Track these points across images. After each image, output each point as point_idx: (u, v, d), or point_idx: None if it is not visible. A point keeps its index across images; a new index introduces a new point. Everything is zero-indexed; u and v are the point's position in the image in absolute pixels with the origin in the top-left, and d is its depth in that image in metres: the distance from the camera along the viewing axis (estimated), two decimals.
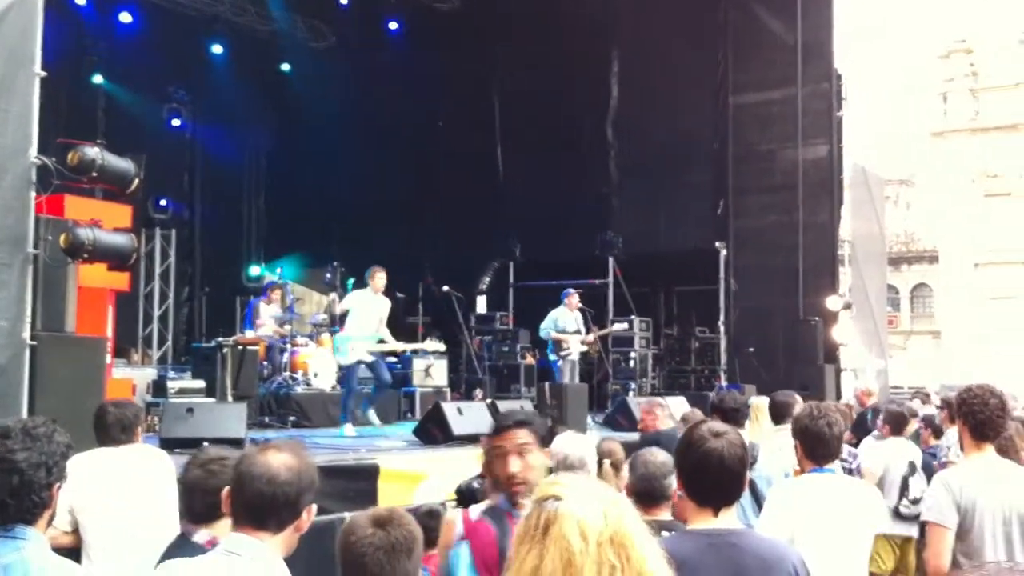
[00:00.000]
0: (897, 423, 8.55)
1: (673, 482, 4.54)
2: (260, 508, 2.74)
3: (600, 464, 5.47)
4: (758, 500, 5.30)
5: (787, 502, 4.49)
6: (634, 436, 9.00)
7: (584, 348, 14.79)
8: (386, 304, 11.96)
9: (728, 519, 3.19)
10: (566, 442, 5.25)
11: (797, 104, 17.39)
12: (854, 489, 4.76)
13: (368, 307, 11.81)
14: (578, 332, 14.43)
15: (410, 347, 13.42)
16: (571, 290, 14.74)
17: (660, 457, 4.60)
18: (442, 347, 14.18)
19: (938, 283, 54.67)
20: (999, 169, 50.13)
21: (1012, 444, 5.53)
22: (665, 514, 4.45)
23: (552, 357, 14.40)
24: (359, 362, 11.80)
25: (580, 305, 14.77)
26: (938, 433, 8.84)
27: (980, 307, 49.30)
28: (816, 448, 4.55)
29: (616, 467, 5.45)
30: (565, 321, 14.36)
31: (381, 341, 11.93)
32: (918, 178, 60.18)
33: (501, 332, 17.99)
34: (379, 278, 11.83)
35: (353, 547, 2.99)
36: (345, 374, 12.16)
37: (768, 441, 6.77)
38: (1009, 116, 50.20)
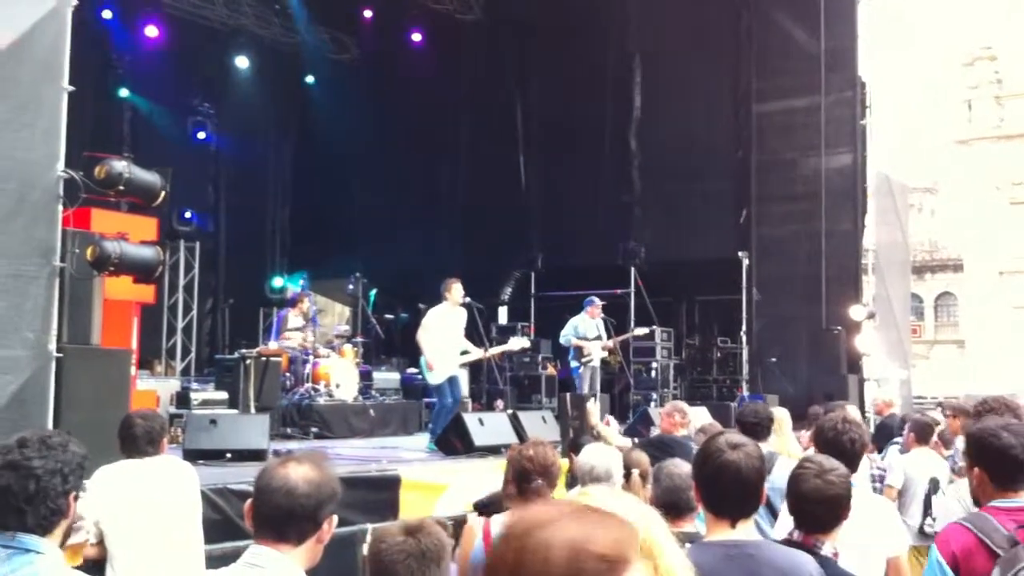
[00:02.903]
0: (923, 433, 8.46)
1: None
2: (279, 520, 2.76)
3: (628, 475, 5.49)
4: (772, 511, 5.29)
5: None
6: None
7: (605, 354, 14.72)
8: (464, 315, 11.75)
9: (746, 530, 3.20)
10: (592, 454, 5.29)
11: (821, 112, 17.34)
12: (871, 507, 4.73)
13: (449, 321, 11.58)
14: (599, 339, 14.37)
15: (496, 351, 13.13)
16: (595, 298, 14.65)
17: (685, 469, 4.60)
18: (527, 344, 14.09)
19: (962, 292, 54.30)
20: None
21: None
22: (689, 526, 4.46)
23: (573, 364, 14.35)
24: (449, 378, 11.60)
25: (602, 314, 14.71)
26: (947, 444, 8.76)
27: (1005, 316, 48.93)
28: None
29: (644, 478, 5.47)
30: (586, 328, 14.29)
31: (465, 352, 11.84)
32: (942, 186, 59.83)
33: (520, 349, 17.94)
34: (456, 290, 11.54)
35: (383, 554, 3.01)
36: (437, 392, 11.82)
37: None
38: None
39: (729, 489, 3.19)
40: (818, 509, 3.63)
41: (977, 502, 3.81)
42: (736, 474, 3.16)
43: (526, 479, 4.55)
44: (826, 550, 3.56)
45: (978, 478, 3.75)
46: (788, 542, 3.48)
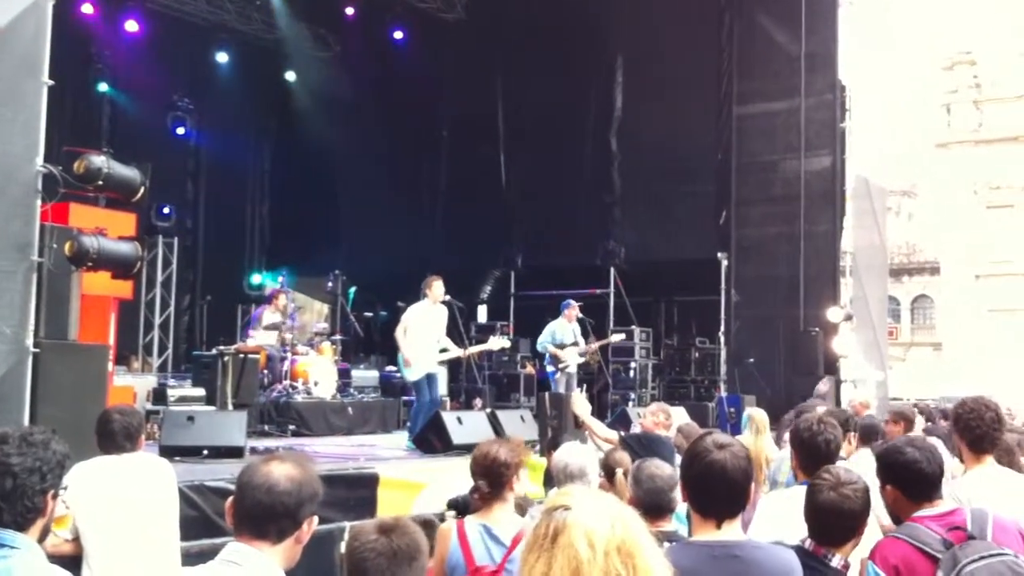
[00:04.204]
0: (867, 434, 8.48)
1: (678, 495, 4.59)
2: (259, 517, 2.76)
3: (613, 474, 5.53)
4: None
5: (775, 513, 4.51)
6: None
7: (581, 360, 14.72)
8: (444, 314, 11.75)
9: (732, 531, 3.20)
10: (568, 451, 5.33)
11: (801, 115, 17.36)
12: None
13: (428, 319, 11.57)
14: (576, 344, 14.36)
15: (476, 350, 13.21)
16: (571, 301, 14.64)
17: (667, 470, 4.63)
18: (507, 343, 14.09)
19: (939, 295, 54.65)
20: (1002, 181, 50.14)
21: (1013, 457, 5.55)
22: (669, 525, 4.49)
23: (549, 369, 14.35)
24: (427, 375, 11.60)
25: (579, 316, 14.71)
26: None
27: (981, 319, 49.27)
28: (809, 462, 4.59)
29: (628, 477, 5.51)
30: (563, 333, 14.28)
31: (444, 350, 11.82)
32: (920, 189, 60.20)
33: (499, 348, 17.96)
34: (436, 287, 11.56)
35: (356, 552, 3.02)
36: (415, 389, 11.87)
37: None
38: (1012, 128, 50.22)
39: (716, 489, 3.19)
40: (832, 522, 3.65)
41: (897, 519, 3.88)
42: (723, 474, 3.17)
43: (475, 480, 4.58)
44: (836, 562, 3.58)
45: (892, 495, 3.85)
46: (799, 550, 3.49)
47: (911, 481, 3.83)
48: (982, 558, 3.47)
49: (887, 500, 3.88)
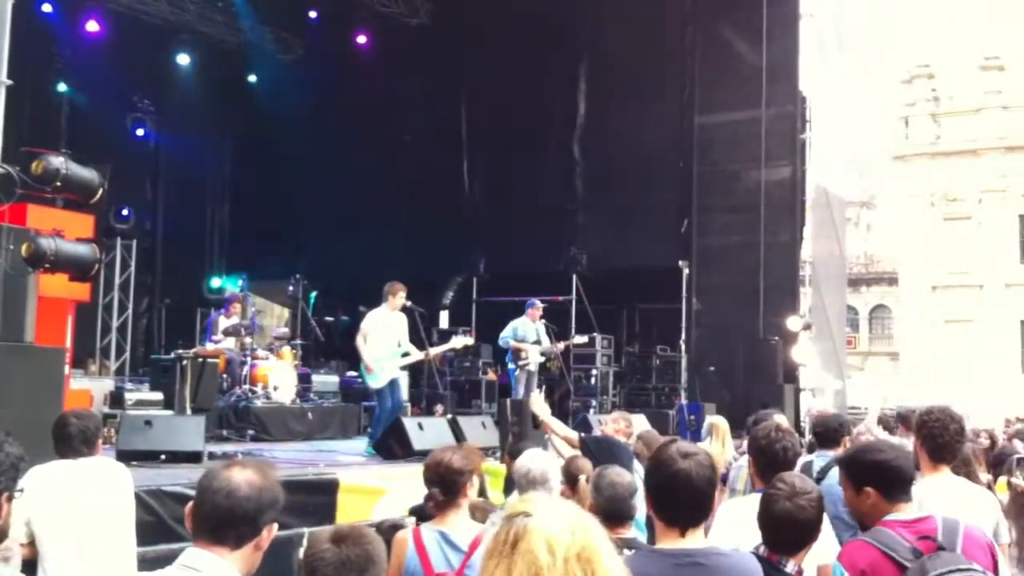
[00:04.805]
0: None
1: (637, 502, 4.60)
2: (218, 522, 2.73)
3: (575, 481, 5.54)
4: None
5: (734, 520, 4.53)
6: None
7: (542, 359, 14.70)
8: (403, 320, 11.63)
9: (695, 539, 3.21)
10: (529, 458, 5.34)
11: (762, 125, 17.52)
12: None
13: (388, 325, 11.49)
14: (538, 342, 14.36)
15: (438, 350, 13.10)
16: (535, 301, 14.61)
17: (627, 478, 4.65)
18: (470, 342, 14.03)
19: (897, 305, 55.24)
20: (958, 193, 50.76)
21: (971, 467, 5.62)
22: (628, 532, 4.51)
23: (510, 366, 14.33)
24: (390, 382, 11.50)
25: (543, 318, 14.70)
26: None
27: (938, 329, 49.83)
28: (767, 469, 4.61)
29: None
30: (525, 331, 14.26)
31: (406, 355, 11.75)
32: (879, 200, 60.89)
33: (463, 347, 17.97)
34: (400, 296, 11.45)
35: (308, 560, 3.02)
36: (377, 396, 11.74)
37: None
38: (969, 141, 50.87)
39: (680, 498, 3.20)
40: (788, 532, 3.68)
41: (863, 525, 3.85)
42: (688, 483, 3.18)
43: (428, 488, 4.58)
44: (790, 568, 3.61)
45: (871, 497, 3.81)
46: (754, 556, 3.51)
47: (892, 481, 3.80)
48: (950, 572, 3.46)
49: (862, 503, 3.83)
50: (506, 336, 14.31)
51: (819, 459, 6.18)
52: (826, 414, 7.88)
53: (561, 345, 15.21)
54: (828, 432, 6.62)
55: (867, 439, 4.95)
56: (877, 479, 3.81)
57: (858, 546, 3.73)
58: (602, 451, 6.87)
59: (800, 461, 6.39)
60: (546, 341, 14.50)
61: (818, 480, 5.47)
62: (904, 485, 3.82)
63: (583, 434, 7.90)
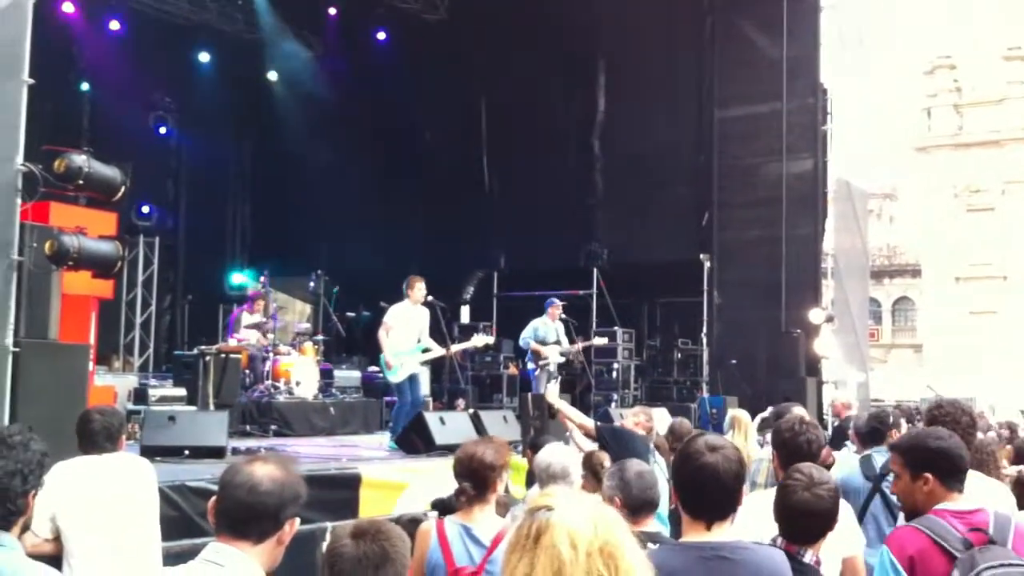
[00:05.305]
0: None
1: (658, 494, 4.59)
2: (240, 517, 2.75)
3: (596, 474, 5.54)
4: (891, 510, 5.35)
5: (757, 513, 4.52)
6: None
7: (562, 359, 14.71)
8: (425, 314, 11.64)
9: (722, 533, 3.20)
10: (550, 452, 5.34)
11: (782, 118, 17.45)
12: None
13: (409, 319, 11.48)
14: (558, 343, 14.36)
15: (459, 348, 13.16)
16: (555, 300, 14.65)
17: (648, 468, 4.64)
18: (491, 340, 14.02)
19: (920, 297, 54.94)
20: (981, 184, 50.45)
21: (992, 458, 5.56)
22: (651, 526, 4.49)
23: (530, 366, 14.35)
24: (410, 376, 11.52)
25: (563, 315, 14.72)
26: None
27: (961, 321, 49.53)
28: (791, 462, 4.59)
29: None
30: (546, 331, 14.29)
31: (426, 351, 11.74)
32: (901, 192, 60.54)
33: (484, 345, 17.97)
34: (418, 288, 11.44)
35: (328, 554, 3.04)
36: (397, 391, 11.75)
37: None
38: (992, 132, 50.52)
39: (707, 492, 3.20)
40: (805, 522, 3.66)
41: (913, 513, 3.82)
42: (715, 477, 3.17)
43: (459, 482, 4.54)
44: (808, 558, 3.60)
45: (928, 483, 3.78)
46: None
47: (950, 469, 3.78)
48: (1001, 566, 3.45)
49: (917, 489, 3.80)
50: (526, 337, 14.32)
51: (878, 454, 6.10)
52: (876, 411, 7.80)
53: (580, 345, 15.21)
54: (885, 427, 6.65)
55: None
56: (937, 465, 3.78)
57: (908, 532, 3.71)
58: (617, 441, 6.84)
59: (857, 457, 6.36)
60: (565, 341, 14.51)
61: (884, 474, 5.45)
62: (960, 474, 3.80)
63: (599, 423, 7.87)
